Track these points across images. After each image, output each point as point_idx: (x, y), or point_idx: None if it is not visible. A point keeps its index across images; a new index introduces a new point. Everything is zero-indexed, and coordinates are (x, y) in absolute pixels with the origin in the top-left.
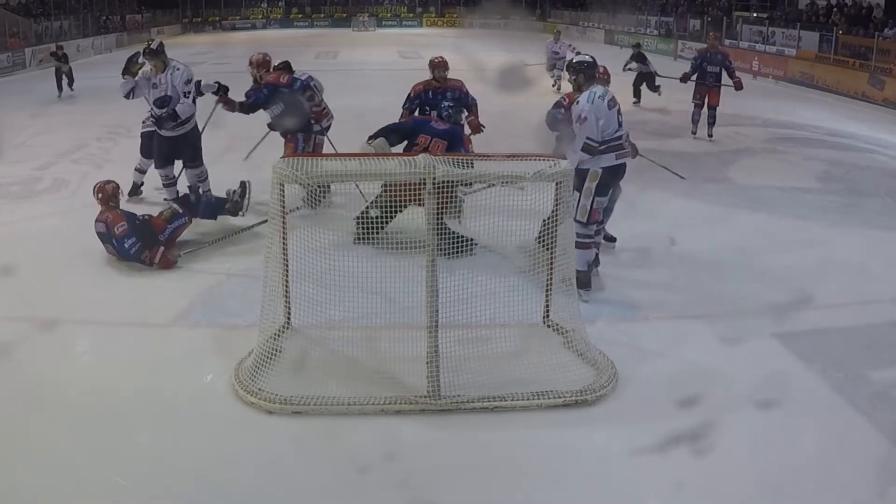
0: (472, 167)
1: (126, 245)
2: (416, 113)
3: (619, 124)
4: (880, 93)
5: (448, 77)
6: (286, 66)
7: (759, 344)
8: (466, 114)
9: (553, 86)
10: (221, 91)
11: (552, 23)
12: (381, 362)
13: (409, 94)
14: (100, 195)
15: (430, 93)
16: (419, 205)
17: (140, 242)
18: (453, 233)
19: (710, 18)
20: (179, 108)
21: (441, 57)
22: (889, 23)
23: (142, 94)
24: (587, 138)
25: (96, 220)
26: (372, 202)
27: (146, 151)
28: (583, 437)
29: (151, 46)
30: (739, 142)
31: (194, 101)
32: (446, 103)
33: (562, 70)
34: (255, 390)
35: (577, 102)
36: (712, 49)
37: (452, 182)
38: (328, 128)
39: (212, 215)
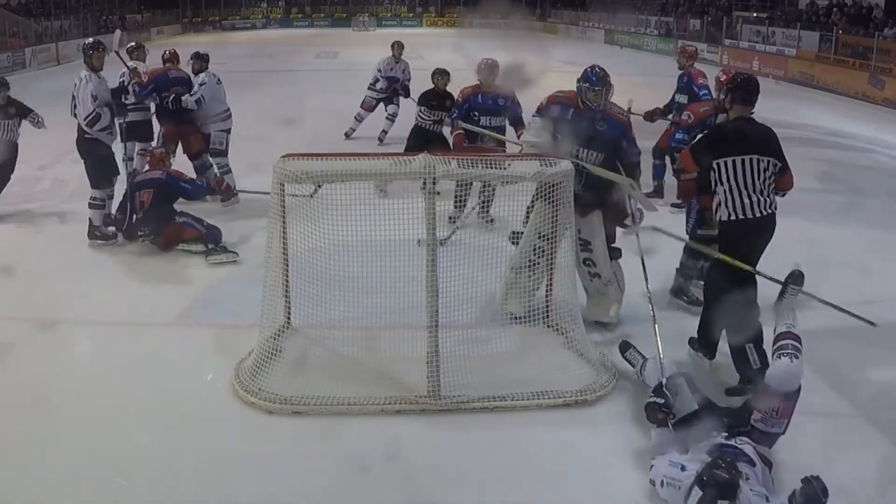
0: (472, 167)
1: (199, 182)
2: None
3: None
4: (880, 93)
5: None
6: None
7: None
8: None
9: (351, 130)
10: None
11: (552, 23)
12: (381, 362)
13: (458, 100)
14: (155, 153)
15: (480, 97)
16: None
17: (203, 183)
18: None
19: (710, 18)
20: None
21: (491, 59)
22: (889, 22)
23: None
24: None
25: (151, 169)
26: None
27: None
28: (583, 437)
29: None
30: None
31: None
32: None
33: (396, 104)
34: (256, 390)
35: None
36: (681, 69)
37: None
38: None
39: (214, 240)
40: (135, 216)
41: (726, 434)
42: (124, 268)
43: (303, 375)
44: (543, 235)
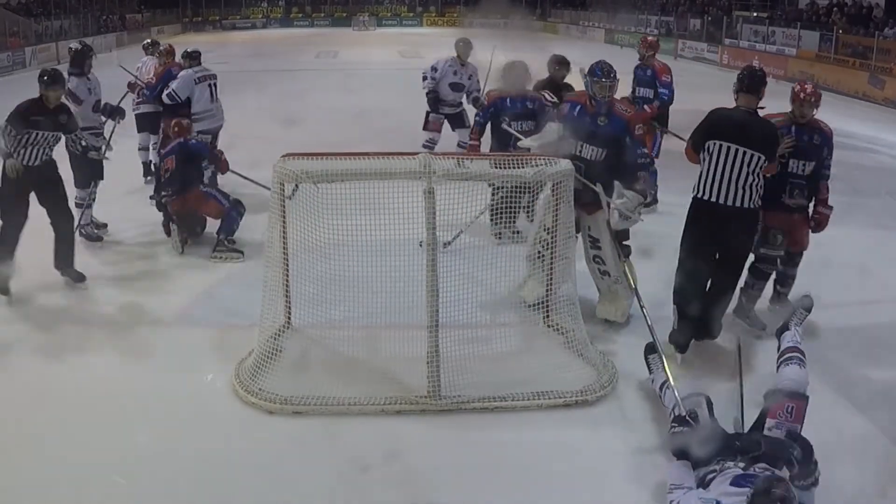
0: (471, 167)
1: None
2: (489, 124)
3: None
4: (880, 92)
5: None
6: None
7: (760, 344)
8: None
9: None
10: None
11: (552, 22)
12: (381, 362)
13: (482, 104)
14: (176, 129)
15: (508, 101)
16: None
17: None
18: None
19: (710, 18)
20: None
21: (521, 60)
22: (889, 22)
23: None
24: None
25: (178, 136)
26: None
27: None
28: (583, 437)
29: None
30: None
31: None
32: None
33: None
34: (256, 390)
35: None
36: (641, 60)
37: None
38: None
39: (229, 230)
40: (161, 179)
41: (743, 464)
42: (124, 268)
43: (303, 375)
44: (548, 228)
